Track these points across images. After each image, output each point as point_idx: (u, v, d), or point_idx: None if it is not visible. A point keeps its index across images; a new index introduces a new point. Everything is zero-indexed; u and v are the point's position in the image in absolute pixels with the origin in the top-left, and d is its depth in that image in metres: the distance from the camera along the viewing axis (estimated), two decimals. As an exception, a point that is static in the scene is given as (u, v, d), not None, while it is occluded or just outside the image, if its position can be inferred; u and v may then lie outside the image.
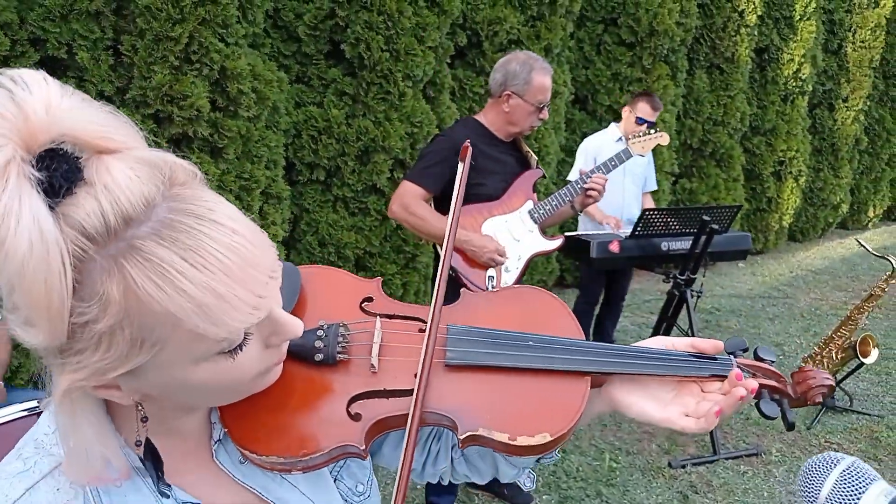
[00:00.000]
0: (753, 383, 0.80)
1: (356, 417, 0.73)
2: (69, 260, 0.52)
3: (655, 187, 4.62)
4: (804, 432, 3.93)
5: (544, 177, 3.00)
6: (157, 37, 3.48)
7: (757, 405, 0.85)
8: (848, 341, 4.07)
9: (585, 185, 2.71)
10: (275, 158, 4.17)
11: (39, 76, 0.54)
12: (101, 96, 3.50)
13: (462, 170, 0.89)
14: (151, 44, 3.49)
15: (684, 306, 3.80)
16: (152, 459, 0.66)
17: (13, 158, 0.50)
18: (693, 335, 3.78)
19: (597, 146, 4.26)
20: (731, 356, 0.84)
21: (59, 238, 0.51)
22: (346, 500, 0.82)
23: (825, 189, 9.18)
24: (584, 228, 4.31)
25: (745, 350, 0.86)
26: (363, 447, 0.72)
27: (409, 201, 2.51)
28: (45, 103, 0.53)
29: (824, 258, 8.63)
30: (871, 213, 10.46)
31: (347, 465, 0.84)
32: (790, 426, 0.87)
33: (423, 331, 0.79)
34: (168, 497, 0.67)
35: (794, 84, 8.08)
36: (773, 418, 0.85)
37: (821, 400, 0.86)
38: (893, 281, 3.97)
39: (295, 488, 0.77)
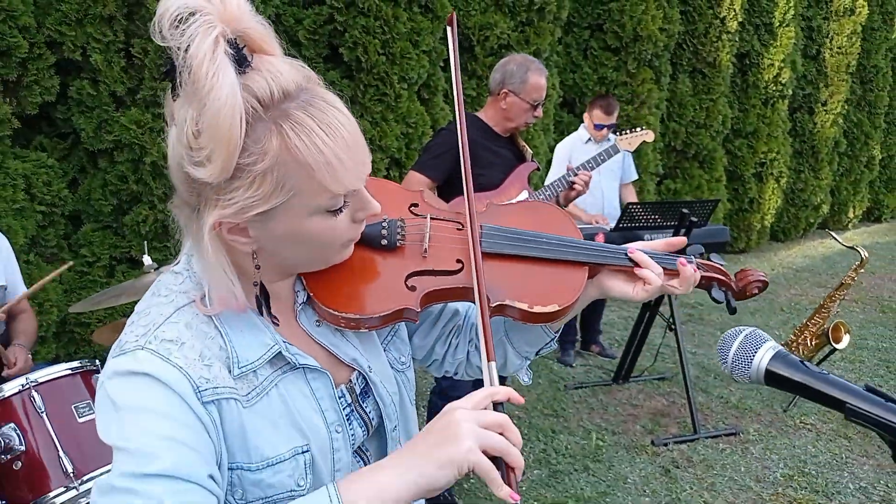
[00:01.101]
0: (689, 266, 1.06)
1: (412, 288, 0.96)
2: (244, 115, 0.74)
3: (635, 177, 4.85)
4: (781, 414, 4.16)
5: (538, 169, 3.22)
6: (167, 40, 3.67)
7: (708, 292, 1.11)
8: (821, 328, 4.30)
9: (571, 180, 2.93)
10: (277, 157, 4.36)
11: None
12: (113, 96, 3.71)
13: (451, 37, 1.13)
14: (161, 47, 3.67)
15: (666, 296, 4.02)
16: (265, 297, 0.88)
17: (220, 37, 0.73)
18: (675, 324, 4.00)
19: (569, 148, 4.51)
20: (682, 256, 1.09)
21: (242, 96, 0.73)
22: (391, 366, 1.03)
23: (806, 190, 9.47)
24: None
25: (702, 254, 1.12)
26: (418, 310, 0.95)
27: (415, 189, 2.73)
28: (237, 4, 0.75)
29: (805, 256, 8.91)
30: (850, 214, 10.77)
31: (393, 340, 1.06)
32: (732, 310, 1.13)
33: (461, 229, 1.04)
34: (277, 325, 0.90)
35: (774, 88, 8.37)
36: (720, 302, 1.11)
37: (756, 292, 1.13)
38: (862, 270, 4.22)
39: (355, 348, 0.98)
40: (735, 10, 7.47)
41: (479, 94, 5.43)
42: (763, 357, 0.86)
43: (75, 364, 1.85)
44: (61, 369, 1.81)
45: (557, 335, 1.15)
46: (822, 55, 9.29)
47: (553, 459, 3.54)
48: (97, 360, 1.94)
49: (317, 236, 0.84)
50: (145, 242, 2.60)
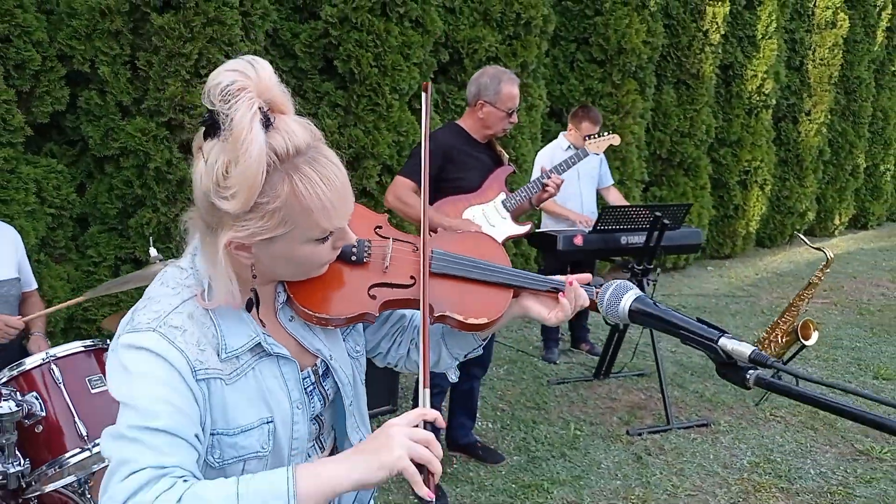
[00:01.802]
0: (565, 298, 1.26)
1: (373, 297, 1.19)
2: (266, 167, 0.97)
3: (612, 181, 5.10)
4: (752, 407, 4.37)
5: (514, 173, 3.46)
6: (169, 53, 3.92)
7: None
8: (791, 326, 4.52)
9: (544, 182, 3.17)
10: (273, 163, 4.59)
11: (265, 62, 0.99)
12: (119, 106, 3.95)
13: (425, 101, 1.38)
14: (165, 59, 3.93)
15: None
16: (256, 301, 1.12)
17: (257, 111, 0.96)
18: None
19: (549, 155, 4.74)
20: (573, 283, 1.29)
21: (266, 151, 0.96)
22: (349, 354, 1.26)
23: (791, 197, 9.71)
24: (547, 227, 4.77)
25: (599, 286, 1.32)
26: (376, 315, 1.19)
27: (402, 193, 2.97)
28: (268, 77, 0.98)
29: (790, 262, 9.14)
30: (836, 221, 11.01)
31: (352, 332, 1.29)
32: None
33: (417, 250, 1.27)
34: (264, 326, 1.13)
35: (757, 98, 8.63)
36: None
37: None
38: (828, 270, 4.44)
39: (320, 340, 1.21)
40: (718, 24, 7.74)
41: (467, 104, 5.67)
42: (628, 300, 1.09)
43: (88, 342, 2.08)
44: (77, 346, 2.04)
45: (485, 342, 1.38)
46: (805, 66, 9.57)
47: (532, 447, 3.75)
48: (108, 340, 2.17)
49: (305, 259, 1.08)
50: (151, 237, 2.82)
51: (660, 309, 1.07)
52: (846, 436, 4.01)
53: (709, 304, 6.83)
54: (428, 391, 1.06)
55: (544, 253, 5.04)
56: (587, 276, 1.31)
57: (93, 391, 1.97)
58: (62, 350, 2.00)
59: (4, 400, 1.75)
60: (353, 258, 1.20)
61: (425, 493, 0.94)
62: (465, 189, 3.08)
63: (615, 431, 3.96)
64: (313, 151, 1.01)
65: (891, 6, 10.72)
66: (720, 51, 8.03)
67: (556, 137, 6.66)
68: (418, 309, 1.21)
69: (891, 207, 12.62)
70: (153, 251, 2.23)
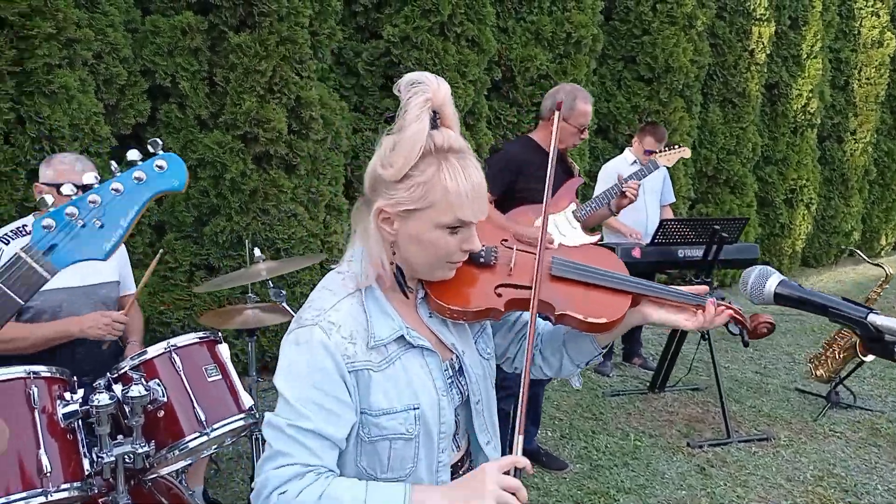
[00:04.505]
0: (712, 307, 1.37)
1: (499, 295, 1.32)
2: (423, 147, 1.13)
3: (673, 199, 5.17)
4: (811, 423, 4.35)
5: (585, 184, 3.56)
6: (246, 70, 4.12)
7: (726, 326, 1.43)
8: (849, 342, 4.50)
9: (623, 188, 3.27)
10: (336, 176, 4.75)
11: (447, 84, 1.17)
12: (197, 119, 4.14)
13: (556, 123, 1.49)
14: (241, 76, 4.12)
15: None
16: (401, 273, 1.25)
17: (428, 101, 1.14)
18: (708, 333, 4.25)
19: (616, 168, 4.82)
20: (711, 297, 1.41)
21: (426, 137, 1.12)
22: (479, 354, 1.38)
23: (836, 217, 9.62)
24: (607, 240, 4.84)
25: (723, 299, 1.44)
26: (502, 311, 1.31)
27: None
28: (446, 93, 1.16)
29: (837, 282, 9.03)
30: (883, 242, 10.85)
31: (482, 335, 1.41)
32: (745, 344, 1.46)
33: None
34: (412, 291, 1.27)
35: (802, 117, 8.62)
36: (735, 334, 1.43)
37: (766, 332, 1.42)
38: (887, 286, 4.43)
39: (455, 336, 1.33)
40: (763, 43, 7.78)
41: (518, 120, 5.80)
42: (773, 283, 1.17)
43: (202, 334, 2.22)
44: (193, 337, 2.18)
45: (604, 350, 1.49)
46: (851, 86, 9.52)
47: (594, 456, 3.79)
48: (219, 332, 2.30)
49: (433, 245, 1.20)
50: (248, 241, 2.97)
51: (806, 291, 1.16)
52: (911, 453, 3.97)
53: (757, 322, 6.79)
54: (522, 438, 1.17)
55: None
56: (703, 289, 1.41)
57: (208, 379, 2.10)
58: (181, 340, 2.14)
59: (135, 384, 1.87)
60: (482, 260, 1.35)
61: None
62: (538, 199, 3.17)
63: (675, 443, 3.98)
64: (465, 154, 1.19)
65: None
66: (766, 70, 8.06)
67: (602, 153, 6.78)
68: (539, 311, 1.33)
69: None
70: (257, 251, 2.37)
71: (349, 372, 1.16)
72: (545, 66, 5.84)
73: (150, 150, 0.92)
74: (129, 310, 2.88)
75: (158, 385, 2.00)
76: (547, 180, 1.49)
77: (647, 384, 4.79)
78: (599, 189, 4.83)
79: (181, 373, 2.06)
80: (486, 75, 5.56)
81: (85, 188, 2.65)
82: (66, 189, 0.89)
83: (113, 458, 1.81)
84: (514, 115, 5.80)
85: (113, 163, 0.92)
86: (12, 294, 0.80)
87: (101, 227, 0.87)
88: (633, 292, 1.37)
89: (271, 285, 2.29)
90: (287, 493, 1.10)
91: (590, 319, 1.32)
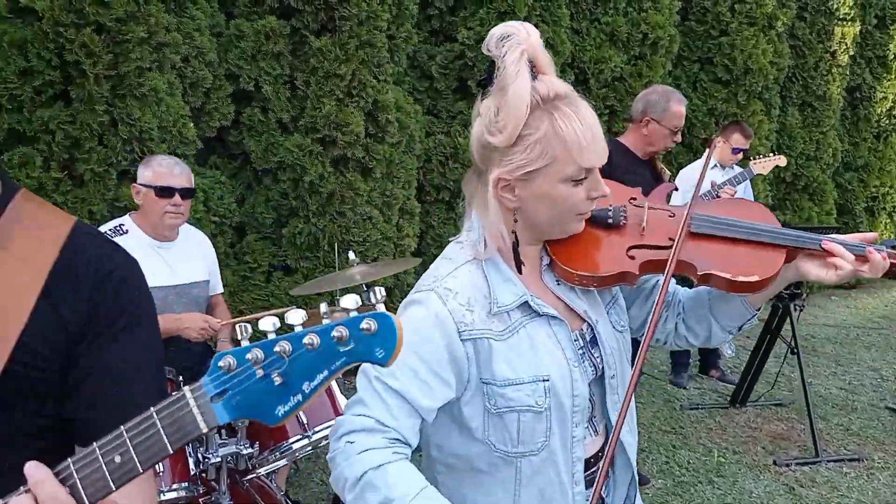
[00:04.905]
0: (878, 254, 1.23)
1: (632, 258, 1.22)
2: (530, 103, 1.07)
3: None
4: (906, 445, 4.10)
5: (676, 189, 3.44)
6: (326, 74, 4.15)
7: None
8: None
9: (718, 195, 3.14)
10: (409, 179, 4.75)
11: (535, 28, 1.10)
12: (279, 122, 4.19)
13: (707, 154, 1.40)
14: (322, 79, 4.16)
15: (787, 320, 4.09)
16: (516, 244, 1.17)
17: (524, 52, 1.07)
18: (797, 346, 4.06)
19: (695, 173, 4.66)
20: (872, 245, 1.26)
21: (530, 91, 1.07)
22: (613, 326, 1.28)
23: (921, 226, 9.12)
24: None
25: (894, 247, 1.29)
26: (637, 274, 1.21)
27: None
28: (536, 40, 1.09)
29: (921, 295, 8.56)
30: (970, 253, 10.23)
31: (614, 306, 1.31)
32: None
33: (672, 216, 1.29)
34: (524, 266, 1.19)
35: (887, 122, 8.20)
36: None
37: None
38: None
39: (585, 303, 1.24)
40: (846, 44, 7.44)
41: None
42: None
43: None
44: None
45: (758, 312, 1.35)
46: (940, 88, 9.01)
47: (676, 472, 3.66)
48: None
49: (562, 200, 1.13)
50: (337, 243, 2.98)
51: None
52: None
53: (839, 336, 6.48)
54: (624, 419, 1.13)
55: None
56: (873, 236, 1.28)
57: (309, 383, 2.09)
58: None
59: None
60: (610, 221, 1.24)
61: None
62: None
63: (761, 461, 3.81)
64: (571, 97, 1.12)
65: None
66: (848, 72, 7.70)
67: (676, 157, 6.58)
68: (679, 273, 1.22)
69: None
70: (352, 254, 2.37)
71: (464, 340, 1.12)
72: (619, 68, 5.71)
73: (371, 300, 0.73)
74: (219, 310, 2.93)
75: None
76: (702, 170, 1.38)
77: (727, 398, 4.61)
78: (678, 196, 4.68)
79: (282, 375, 2.06)
80: (560, 78, 5.46)
81: (184, 192, 2.67)
82: (265, 323, 0.74)
83: (218, 459, 1.83)
84: (587, 118, 5.69)
85: (323, 306, 0.77)
86: (166, 440, 0.69)
87: (281, 384, 0.71)
88: (788, 245, 1.22)
89: (365, 289, 2.29)
90: (355, 444, 1.07)
91: (740, 279, 1.18)
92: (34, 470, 0.69)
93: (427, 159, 5.05)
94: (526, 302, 1.16)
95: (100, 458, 0.70)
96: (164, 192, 2.52)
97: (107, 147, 3.58)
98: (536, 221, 1.17)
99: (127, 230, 2.60)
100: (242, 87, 4.14)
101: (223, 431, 1.88)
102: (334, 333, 0.70)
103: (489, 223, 1.15)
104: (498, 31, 1.08)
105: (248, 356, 0.70)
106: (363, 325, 0.70)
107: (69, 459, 0.71)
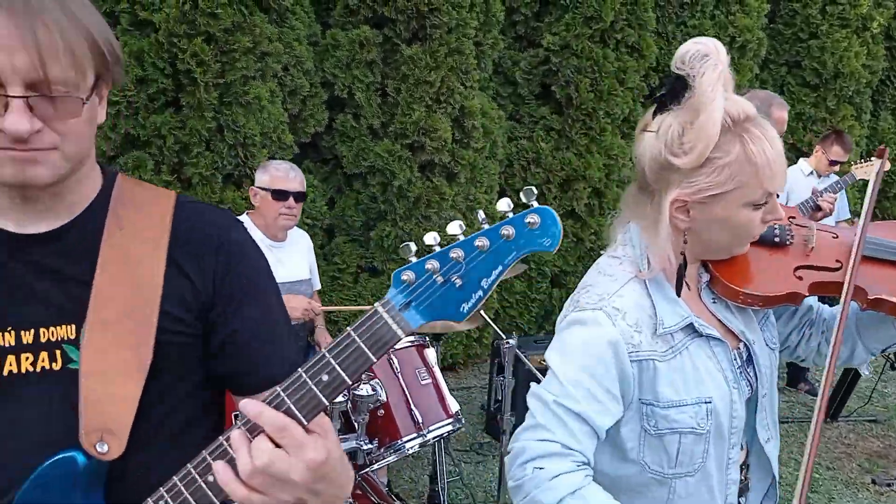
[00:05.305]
0: None
1: (800, 278, 1.22)
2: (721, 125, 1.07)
3: (849, 215, 4.81)
4: None
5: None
6: (416, 81, 4.25)
7: None
8: None
9: (818, 201, 3.07)
10: (492, 184, 4.80)
11: (716, 42, 1.09)
12: (369, 128, 4.32)
13: (878, 170, 1.38)
14: (412, 87, 4.26)
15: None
16: (684, 265, 1.18)
17: (720, 74, 1.06)
18: None
19: (791, 180, 4.53)
20: None
21: (723, 112, 1.06)
22: (766, 344, 1.28)
23: None
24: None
25: None
26: (805, 294, 1.20)
27: None
28: (725, 57, 1.08)
29: None
30: None
31: (766, 323, 1.31)
32: None
33: (836, 237, 1.28)
34: (689, 289, 1.20)
35: None
36: None
37: None
38: None
39: (741, 322, 1.24)
40: (947, 45, 7.07)
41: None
42: None
43: (413, 338, 2.30)
44: (405, 342, 2.27)
45: None
46: None
47: (768, 485, 3.57)
48: (426, 337, 2.39)
49: (740, 225, 1.13)
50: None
51: None
52: None
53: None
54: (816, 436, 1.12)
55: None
56: None
57: (421, 383, 2.18)
58: (398, 343, 2.23)
59: (364, 383, 1.97)
60: (776, 240, 1.24)
61: None
62: None
63: (858, 479, 3.69)
64: (759, 119, 1.11)
65: None
66: (947, 74, 7.31)
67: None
68: (842, 294, 1.21)
69: None
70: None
71: (632, 362, 1.11)
72: (704, 73, 5.60)
73: (524, 199, 0.78)
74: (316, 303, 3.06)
75: (379, 385, 2.09)
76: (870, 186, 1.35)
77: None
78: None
79: (399, 374, 2.15)
80: (643, 82, 5.42)
81: (297, 196, 2.80)
82: (429, 238, 0.83)
83: (342, 453, 1.91)
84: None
85: (481, 213, 0.85)
86: (367, 351, 0.76)
87: (461, 286, 0.78)
88: None
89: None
90: (544, 470, 1.06)
91: None
92: (251, 405, 0.76)
93: (509, 164, 5.09)
94: (691, 323, 1.16)
95: (308, 381, 0.77)
96: (280, 195, 2.65)
97: (213, 152, 3.77)
98: (708, 244, 1.17)
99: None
100: (336, 95, 4.27)
101: (343, 427, 1.96)
102: (502, 232, 0.77)
103: (657, 243, 1.14)
104: (693, 48, 1.07)
105: (427, 266, 0.78)
106: (528, 219, 0.77)
107: (277, 388, 0.78)
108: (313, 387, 0.77)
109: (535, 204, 0.79)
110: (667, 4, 5.52)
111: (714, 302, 1.24)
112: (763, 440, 1.27)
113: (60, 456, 0.82)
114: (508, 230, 0.77)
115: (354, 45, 4.21)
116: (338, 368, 0.77)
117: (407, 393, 2.11)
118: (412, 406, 2.10)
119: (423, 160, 4.36)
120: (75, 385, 0.85)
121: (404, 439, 2.08)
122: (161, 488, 0.82)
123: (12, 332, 0.86)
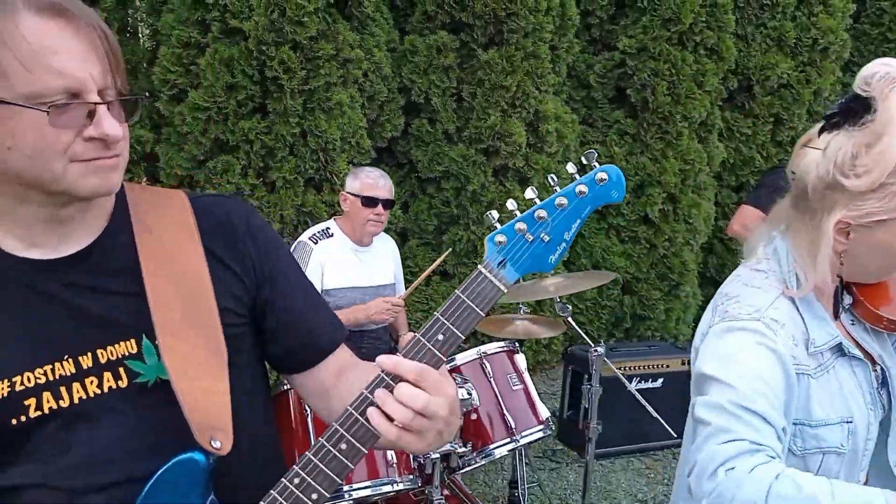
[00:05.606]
0: None
1: None
2: None
3: None
4: None
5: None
6: (492, 86, 4.26)
7: None
8: None
9: None
10: (565, 189, 4.77)
11: None
12: (445, 133, 4.36)
13: None
14: (488, 91, 4.28)
15: None
16: (843, 288, 1.16)
17: None
18: None
19: None
20: None
21: None
22: None
23: None
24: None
25: None
26: None
27: (749, 222, 2.93)
28: None
29: None
30: None
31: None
32: None
33: None
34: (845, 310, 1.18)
35: None
36: None
37: None
38: None
39: (877, 345, 1.22)
40: None
41: (754, 132, 5.45)
42: None
43: (503, 344, 2.32)
44: (496, 347, 2.29)
45: None
46: None
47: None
48: (516, 343, 2.40)
49: None
50: (493, 213, 3.07)
51: None
52: None
53: None
54: None
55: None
56: None
57: (513, 388, 2.19)
58: (490, 348, 2.26)
59: (459, 386, 1.99)
60: None
61: None
62: None
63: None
64: None
65: None
66: None
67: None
68: None
69: None
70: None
71: (797, 374, 1.09)
72: (786, 75, 5.43)
73: (584, 161, 0.93)
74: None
75: (473, 388, 2.11)
76: None
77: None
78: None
79: (491, 379, 2.17)
80: (721, 85, 5.30)
81: (386, 203, 2.85)
82: (510, 204, 0.95)
83: (437, 455, 1.94)
84: (749, 126, 5.47)
85: (552, 176, 0.95)
86: (475, 307, 0.86)
87: (548, 241, 0.91)
88: None
89: (558, 300, 2.35)
90: (736, 469, 1.00)
91: None
92: (387, 359, 0.84)
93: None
94: (839, 343, 1.15)
95: (426, 343, 0.86)
96: (369, 201, 2.70)
97: (296, 157, 3.88)
98: (861, 267, 1.15)
99: (332, 233, 2.82)
100: (413, 100, 4.33)
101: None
102: (578, 190, 0.91)
103: (814, 263, 1.12)
104: (882, 70, 1.04)
105: (517, 227, 0.91)
106: (598, 177, 0.91)
107: (400, 352, 0.86)
108: (431, 346, 0.85)
109: (598, 164, 0.92)
110: (746, 6, 5.38)
111: (853, 324, 1.22)
112: (892, 462, 1.24)
113: (183, 457, 0.84)
114: (582, 188, 0.91)
115: (432, 51, 4.26)
116: (452, 328, 0.86)
117: (499, 398, 2.13)
118: (504, 411, 2.12)
119: (497, 165, 4.37)
120: (147, 398, 0.87)
121: (496, 444, 2.09)
122: (295, 466, 0.85)
123: (70, 361, 0.85)
